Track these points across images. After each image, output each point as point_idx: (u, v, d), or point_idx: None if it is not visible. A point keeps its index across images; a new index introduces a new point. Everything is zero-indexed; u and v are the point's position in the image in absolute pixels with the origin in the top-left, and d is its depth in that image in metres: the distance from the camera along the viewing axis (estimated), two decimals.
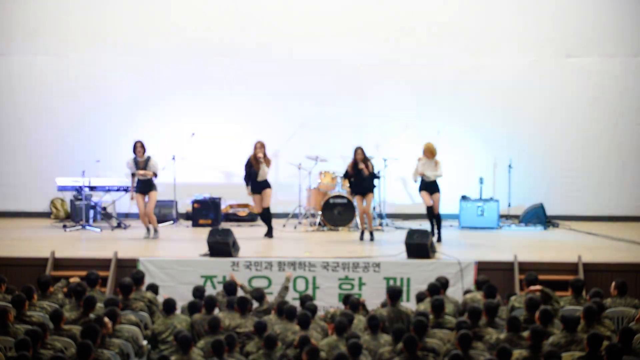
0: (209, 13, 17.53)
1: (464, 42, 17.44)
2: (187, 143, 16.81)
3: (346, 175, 15.06)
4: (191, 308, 10.44)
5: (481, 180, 16.84)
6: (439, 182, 14.81)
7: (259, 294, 11.11)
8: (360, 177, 14.79)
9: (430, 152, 14.77)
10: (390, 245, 14.52)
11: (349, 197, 15.15)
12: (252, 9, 17.54)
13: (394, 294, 10.53)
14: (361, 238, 14.97)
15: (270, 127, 17.18)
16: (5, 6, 17.65)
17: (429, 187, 14.78)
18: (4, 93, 17.79)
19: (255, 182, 15.02)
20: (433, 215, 14.82)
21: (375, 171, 15.03)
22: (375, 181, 15.02)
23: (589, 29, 17.41)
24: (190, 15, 17.55)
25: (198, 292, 11.00)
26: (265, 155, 14.99)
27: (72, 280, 11.39)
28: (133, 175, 14.98)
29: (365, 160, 14.80)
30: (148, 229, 15.08)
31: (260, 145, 14.99)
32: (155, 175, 14.94)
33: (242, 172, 15.13)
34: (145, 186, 14.92)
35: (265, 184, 15.05)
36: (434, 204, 14.75)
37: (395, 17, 17.46)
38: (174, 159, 16.75)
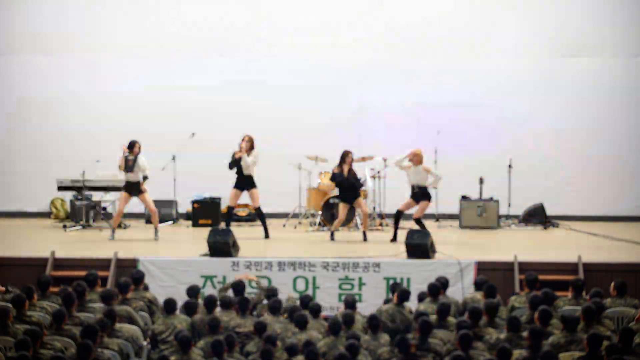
0: (210, 13, 17.53)
1: (464, 43, 17.44)
2: (187, 143, 16.79)
3: (334, 178, 15.02)
4: (188, 308, 10.42)
5: (481, 180, 16.83)
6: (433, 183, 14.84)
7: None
8: (345, 185, 14.78)
9: (417, 159, 14.65)
10: (390, 245, 14.53)
11: (354, 205, 15.16)
12: (252, 9, 17.54)
13: (403, 294, 10.59)
14: (332, 238, 14.99)
15: (270, 127, 17.14)
16: (7, 6, 17.65)
17: (416, 196, 14.67)
18: (4, 92, 17.79)
19: (241, 175, 14.86)
20: (400, 216, 14.76)
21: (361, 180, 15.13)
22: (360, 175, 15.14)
23: (589, 29, 17.41)
24: (191, 15, 17.55)
25: (192, 291, 10.98)
26: (251, 148, 14.82)
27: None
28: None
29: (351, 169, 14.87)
30: (113, 231, 14.87)
31: (247, 139, 14.83)
32: (145, 177, 14.74)
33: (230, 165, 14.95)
34: (133, 189, 14.67)
35: (251, 184, 14.89)
36: (418, 211, 14.66)
37: (395, 17, 17.46)
38: (174, 159, 16.74)
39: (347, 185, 14.86)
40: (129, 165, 14.60)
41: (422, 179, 14.62)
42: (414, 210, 14.81)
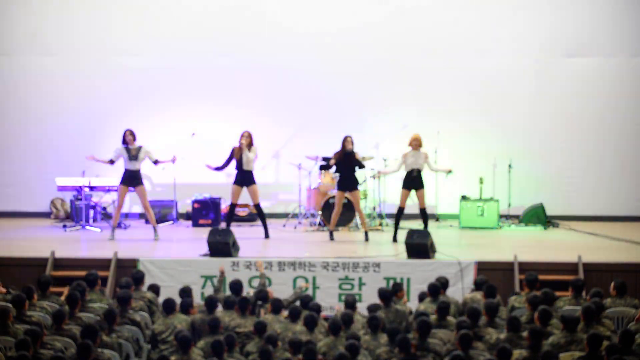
0: (210, 15, 17.52)
1: (463, 42, 17.44)
2: (187, 143, 16.79)
3: (324, 167, 14.96)
4: (183, 307, 10.42)
5: (481, 180, 16.84)
6: (425, 176, 14.85)
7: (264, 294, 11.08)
8: (345, 173, 14.77)
9: (417, 143, 14.69)
10: (390, 245, 14.53)
11: (349, 197, 15.16)
12: (251, 10, 17.54)
13: (381, 294, 10.58)
14: (331, 238, 14.98)
15: (270, 127, 17.16)
16: (7, 7, 17.65)
17: (413, 183, 14.69)
18: (4, 93, 17.79)
19: (241, 171, 14.84)
20: (401, 215, 14.76)
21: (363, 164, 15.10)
22: (360, 175, 15.06)
23: (589, 29, 17.41)
24: (191, 17, 17.54)
25: (185, 293, 10.97)
26: (250, 144, 14.84)
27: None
28: (112, 162, 14.76)
29: (353, 153, 14.81)
30: (113, 229, 14.90)
31: (247, 135, 14.89)
32: (156, 162, 14.75)
33: (224, 161, 14.94)
34: (133, 178, 14.68)
35: (251, 179, 14.88)
36: (420, 200, 14.70)
37: (395, 17, 17.46)
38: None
39: (345, 174, 14.82)
40: (132, 154, 14.62)
41: (422, 163, 14.64)
42: (411, 203, 14.80)
